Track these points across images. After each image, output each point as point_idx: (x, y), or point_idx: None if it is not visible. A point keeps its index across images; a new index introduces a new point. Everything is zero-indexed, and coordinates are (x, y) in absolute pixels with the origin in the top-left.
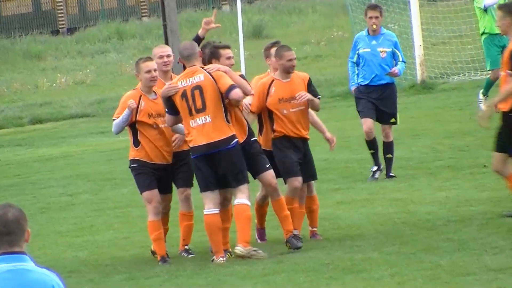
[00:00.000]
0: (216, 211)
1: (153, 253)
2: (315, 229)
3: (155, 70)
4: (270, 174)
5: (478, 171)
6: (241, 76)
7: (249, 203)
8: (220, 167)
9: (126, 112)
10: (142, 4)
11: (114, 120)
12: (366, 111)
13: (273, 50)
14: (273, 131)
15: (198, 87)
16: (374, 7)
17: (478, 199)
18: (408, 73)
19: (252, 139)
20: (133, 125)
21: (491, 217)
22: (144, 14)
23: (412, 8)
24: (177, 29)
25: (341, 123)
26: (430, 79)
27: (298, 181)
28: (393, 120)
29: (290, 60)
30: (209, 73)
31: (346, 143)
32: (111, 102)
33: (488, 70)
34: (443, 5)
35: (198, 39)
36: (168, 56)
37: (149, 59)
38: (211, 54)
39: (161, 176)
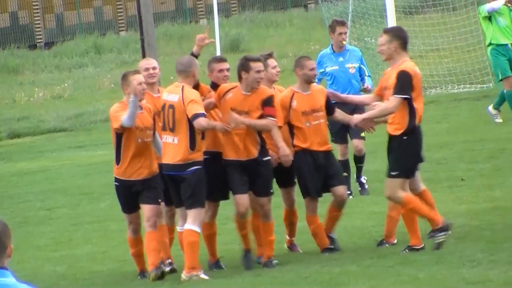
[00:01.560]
0: None
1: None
2: (293, 238)
3: (144, 82)
4: (265, 198)
5: (455, 184)
6: (271, 98)
7: (195, 229)
8: (179, 187)
9: (134, 99)
10: (119, 18)
11: (122, 122)
12: (341, 137)
13: (269, 61)
14: (293, 146)
15: (172, 107)
16: (343, 22)
17: (456, 212)
18: None
19: (264, 159)
20: (118, 139)
21: (468, 230)
22: (121, 28)
23: (389, 21)
24: (154, 43)
25: None
26: None
27: (315, 201)
28: (363, 134)
29: (312, 69)
30: (182, 96)
31: None
32: (89, 116)
33: (499, 81)
34: (419, 19)
35: (192, 56)
36: (154, 68)
37: (138, 72)
38: (241, 66)
39: (144, 188)
